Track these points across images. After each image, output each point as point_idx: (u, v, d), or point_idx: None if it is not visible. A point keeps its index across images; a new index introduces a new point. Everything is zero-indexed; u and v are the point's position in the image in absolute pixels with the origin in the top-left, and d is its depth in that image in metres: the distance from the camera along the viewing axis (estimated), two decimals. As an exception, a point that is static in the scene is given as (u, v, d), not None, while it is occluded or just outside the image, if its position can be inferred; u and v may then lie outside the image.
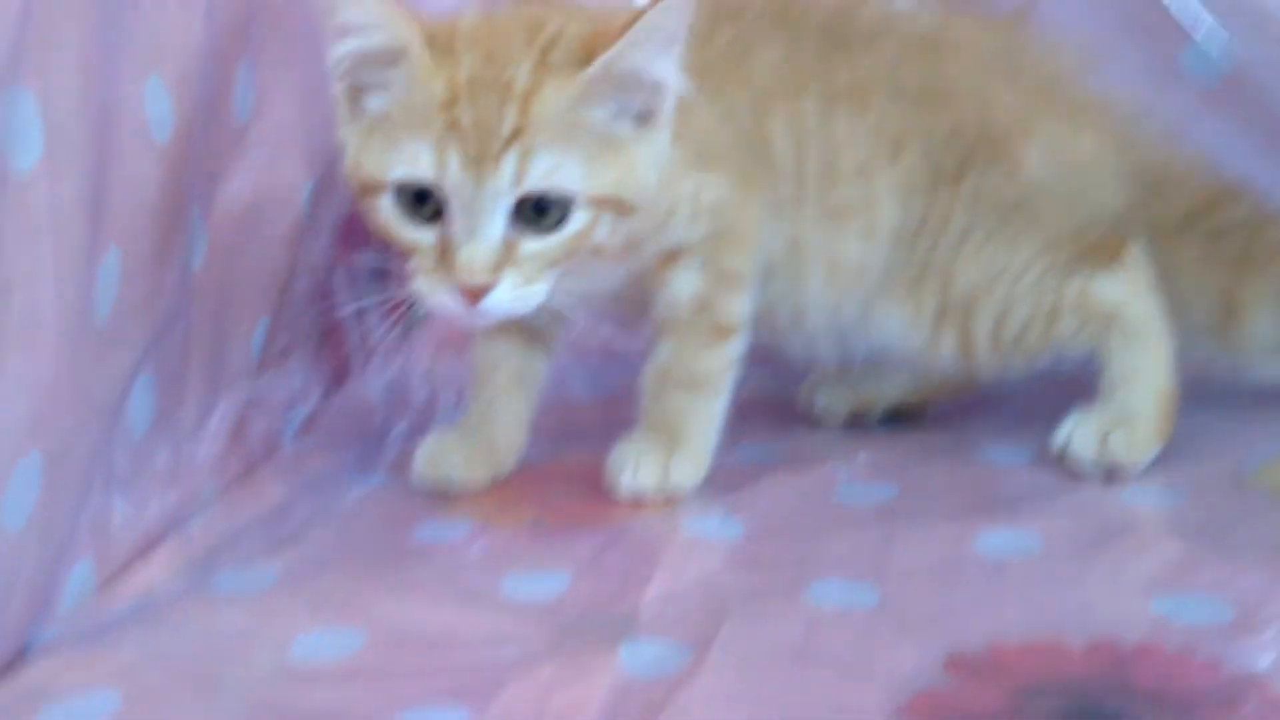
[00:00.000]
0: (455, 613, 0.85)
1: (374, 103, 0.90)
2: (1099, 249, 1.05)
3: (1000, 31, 1.12)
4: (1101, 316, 1.05)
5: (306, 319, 1.26)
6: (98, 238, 0.85)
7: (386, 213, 0.89)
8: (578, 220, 0.88)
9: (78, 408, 0.84)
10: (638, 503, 1.02)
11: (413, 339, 1.37)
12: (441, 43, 0.88)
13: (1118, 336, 1.04)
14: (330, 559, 0.95)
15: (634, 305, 1.05)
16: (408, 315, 0.95)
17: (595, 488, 1.04)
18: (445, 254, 0.87)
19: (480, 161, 0.85)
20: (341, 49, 0.89)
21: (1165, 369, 1.05)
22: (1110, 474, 1.02)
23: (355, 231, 1.31)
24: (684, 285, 1.02)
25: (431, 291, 0.88)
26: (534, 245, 0.88)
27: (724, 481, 1.04)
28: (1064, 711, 0.71)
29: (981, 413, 1.19)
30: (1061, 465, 1.04)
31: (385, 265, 1.29)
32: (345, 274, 1.31)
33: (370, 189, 0.89)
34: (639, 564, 0.90)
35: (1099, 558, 0.90)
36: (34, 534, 0.81)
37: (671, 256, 1.01)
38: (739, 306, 1.03)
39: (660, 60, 0.88)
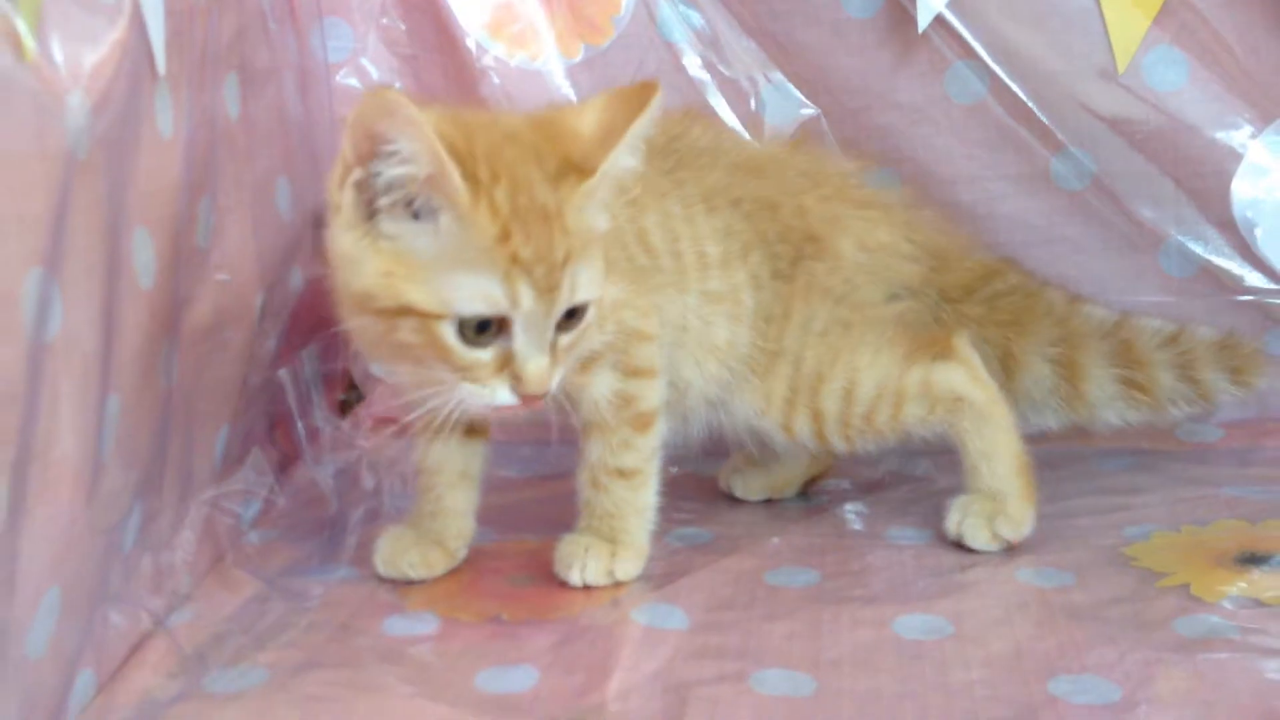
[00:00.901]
0: (439, 710, 0.94)
1: (391, 225, 0.93)
2: (931, 343, 1.21)
3: (800, 150, 1.31)
4: (948, 401, 1.19)
5: (256, 420, 1.34)
6: (104, 388, 0.93)
7: (444, 339, 0.93)
8: (590, 312, 0.99)
9: (88, 541, 0.92)
10: (588, 589, 1.13)
11: (354, 425, 1.46)
12: (466, 167, 0.91)
13: (969, 419, 1.19)
14: (311, 658, 1.03)
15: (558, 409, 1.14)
16: (436, 419, 0.99)
17: (545, 575, 1.14)
18: (505, 365, 0.95)
19: (549, 290, 0.93)
20: (380, 169, 0.91)
21: (1016, 439, 1.20)
22: (1005, 549, 1.17)
23: (296, 332, 1.41)
24: (602, 385, 1.13)
25: (491, 396, 0.96)
26: (567, 339, 0.98)
27: (663, 569, 1.16)
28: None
29: (883, 492, 1.33)
30: (960, 548, 1.18)
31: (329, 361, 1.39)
32: (290, 372, 1.40)
33: (408, 313, 0.93)
34: (599, 657, 1.00)
35: (1002, 639, 1.02)
36: (50, 659, 0.88)
37: (589, 361, 1.11)
38: (654, 395, 1.15)
39: (634, 161, 0.99)
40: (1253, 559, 1.12)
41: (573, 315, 0.97)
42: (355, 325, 0.99)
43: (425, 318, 0.92)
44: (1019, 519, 1.17)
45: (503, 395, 0.95)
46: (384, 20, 1.50)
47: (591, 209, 0.98)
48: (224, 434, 1.23)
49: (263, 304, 1.30)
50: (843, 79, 1.48)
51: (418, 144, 0.89)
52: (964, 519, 1.18)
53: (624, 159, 0.97)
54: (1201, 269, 1.47)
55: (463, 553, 1.19)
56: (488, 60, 1.50)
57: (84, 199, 0.89)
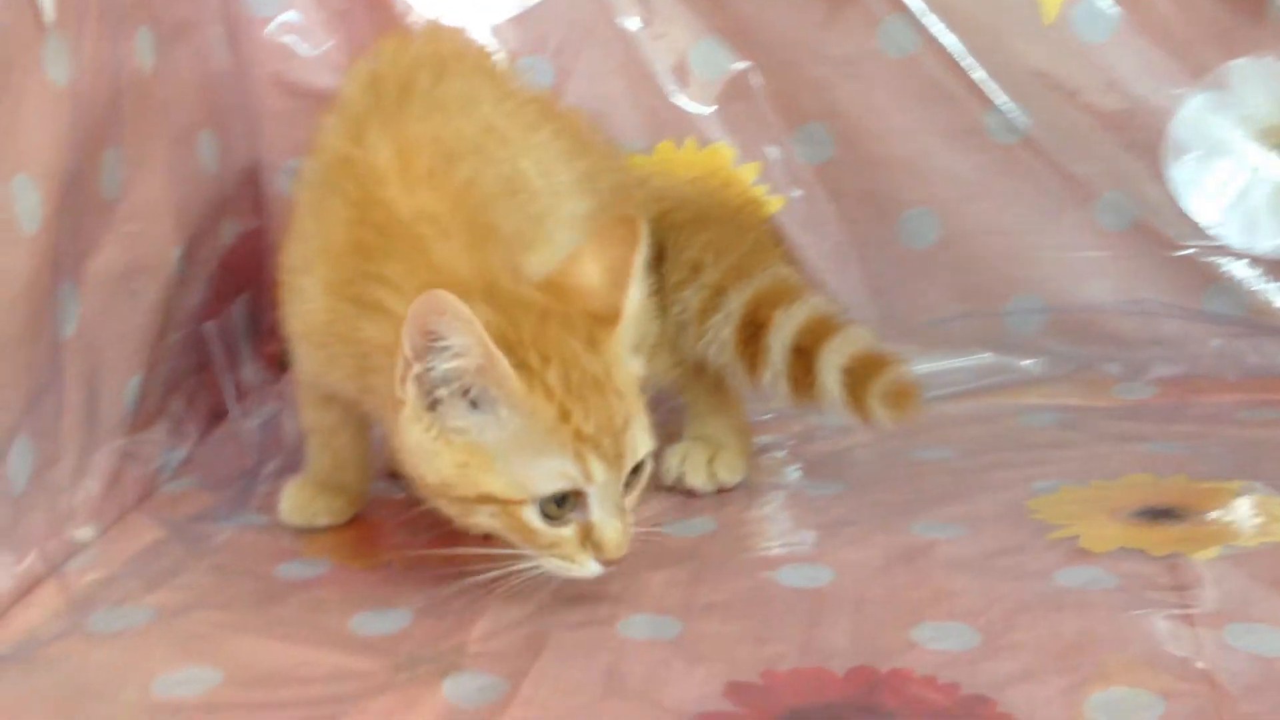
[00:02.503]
0: (307, 650, 0.95)
1: (456, 418, 0.92)
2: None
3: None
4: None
5: (179, 370, 1.36)
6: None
7: (528, 522, 0.93)
8: (649, 463, 0.99)
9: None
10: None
11: (283, 382, 1.46)
12: (516, 355, 0.91)
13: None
14: (199, 599, 1.05)
15: None
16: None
17: (440, 527, 1.14)
18: (587, 537, 0.95)
19: (617, 458, 0.94)
20: (434, 364, 0.90)
21: (740, 405, 1.28)
22: (720, 490, 1.24)
23: (226, 284, 1.42)
24: None
25: (581, 570, 0.96)
26: (633, 497, 0.98)
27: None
28: (822, 730, 0.83)
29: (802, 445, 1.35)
30: (678, 489, 1.24)
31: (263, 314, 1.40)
32: (217, 325, 1.41)
33: (488, 500, 0.93)
34: (473, 603, 1.00)
35: (878, 588, 1.02)
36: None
37: None
38: None
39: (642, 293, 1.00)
40: (1151, 513, 1.11)
41: (636, 470, 0.97)
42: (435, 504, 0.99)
43: (506, 504, 0.93)
44: (736, 466, 1.25)
45: (592, 568, 0.96)
46: (315, -28, 1.50)
47: (626, 356, 0.98)
48: (136, 383, 1.24)
49: (181, 256, 1.31)
50: (774, 33, 1.47)
51: (468, 338, 0.89)
52: (685, 462, 1.25)
53: (637, 294, 0.98)
54: (1135, 224, 1.45)
55: (368, 493, 1.21)
56: (414, 17, 1.49)
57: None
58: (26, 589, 1.05)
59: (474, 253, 0.97)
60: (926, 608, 0.98)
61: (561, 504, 0.93)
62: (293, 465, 1.29)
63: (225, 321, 1.42)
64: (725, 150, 1.51)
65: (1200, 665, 0.86)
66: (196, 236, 1.34)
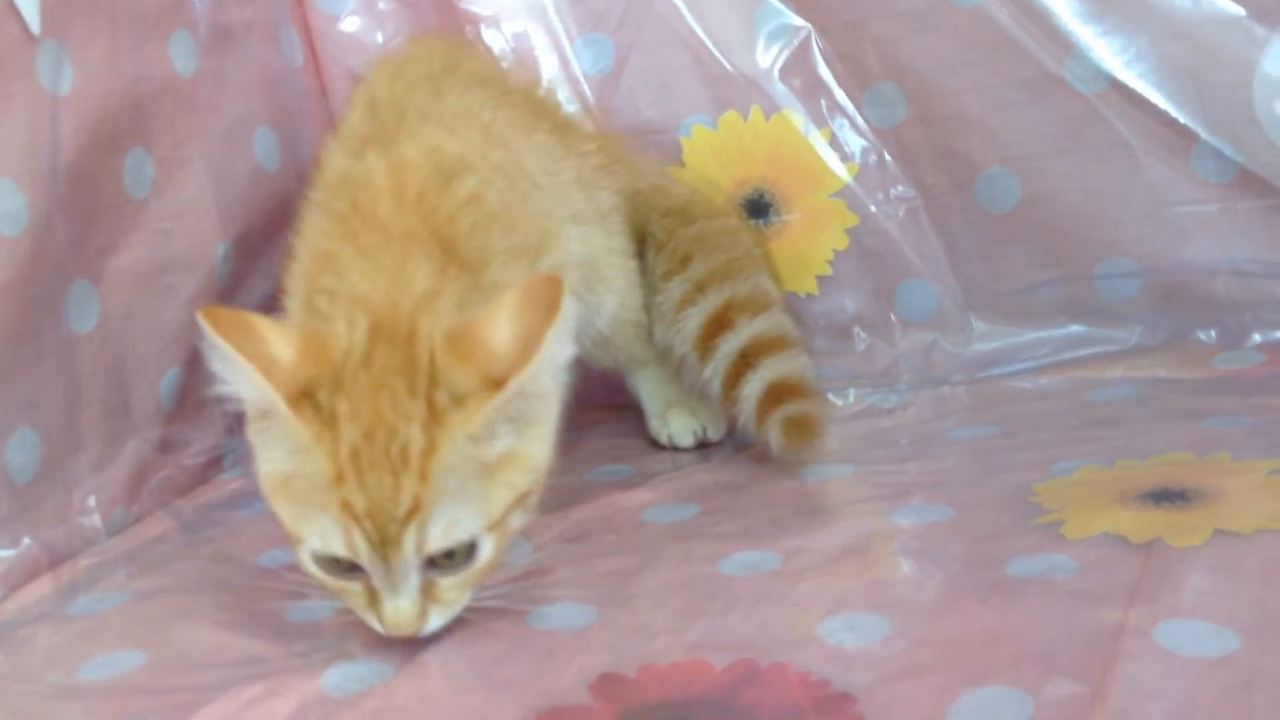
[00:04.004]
0: (231, 636, 0.97)
1: (271, 447, 0.87)
2: None
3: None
4: None
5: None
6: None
7: (307, 565, 0.88)
8: (486, 548, 0.88)
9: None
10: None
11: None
12: (317, 397, 0.84)
13: None
14: (173, 585, 1.08)
15: None
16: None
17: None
18: (373, 601, 0.87)
19: (384, 544, 0.84)
20: (224, 388, 0.87)
21: None
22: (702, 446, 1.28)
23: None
24: None
25: (370, 623, 0.88)
26: (451, 580, 0.88)
27: (555, 502, 1.12)
28: (651, 728, 0.78)
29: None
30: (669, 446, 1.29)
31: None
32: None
33: (279, 521, 0.89)
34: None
35: (815, 577, 0.95)
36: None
37: None
38: None
39: (558, 367, 0.88)
40: (1160, 495, 0.99)
41: (452, 556, 0.86)
42: None
43: (289, 537, 0.88)
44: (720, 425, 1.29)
45: (376, 627, 0.88)
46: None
47: (497, 430, 0.86)
48: (174, 376, 1.29)
49: (228, 252, 1.35)
50: (836, -10, 1.39)
51: (233, 372, 0.84)
52: (672, 425, 1.30)
53: (544, 364, 0.85)
54: (1237, 174, 1.29)
55: None
56: (476, 4, 1.49)
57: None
58: (24, 576, 1.10)
59: (415, 277, 0.90)
60: (853, 598, 0.90)
61: (338, 559, 0.86)
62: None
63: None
64: (793, 118, 1.44)
65: (1101, 664, 0.76)
66: (249, 233, 1.38)
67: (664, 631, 0.89)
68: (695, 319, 1.25)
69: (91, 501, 1.19)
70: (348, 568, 0.87)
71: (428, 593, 0.87)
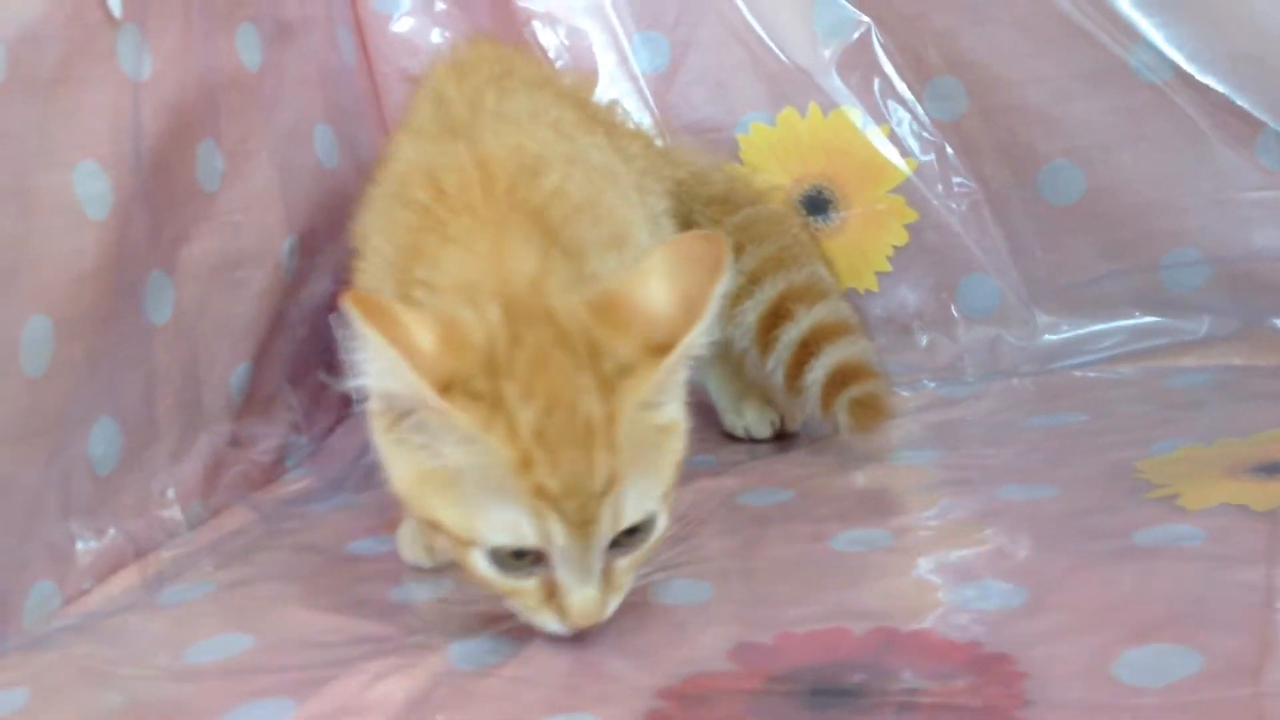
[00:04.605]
0: (339, 618, 0.95)
1: (418, 436, 0.81)
2: None
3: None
4: None
5: (303, 363, 1.39)
6: (17, 306, 0.97)
7: (479, 568, 0.83)
8: (661, 521, 0.85)
9: (10, 449, 0.97)
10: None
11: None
12: (471, 385, 0.79)
13: None
14: (262, 573, 1.06)
15: None
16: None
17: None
18: (551, 595, 0.83)
19: (584, 523, 0.79)
20: (369, 380, 0.81)
21: None
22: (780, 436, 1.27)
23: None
24: None
25: (542, 624, 0.84)
26: (626, 561, 0.84)
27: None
28: (810, 689, 0.76)
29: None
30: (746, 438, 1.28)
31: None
32: (342, 319, 1.43)
33: (440, 529, 0.83)
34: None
35: (934, 551, 0.94)
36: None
37: None
38: None
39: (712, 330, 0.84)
40: (1270, 468, 0.99)
41: (633, 533, 0.83)
42: None
43: (455, 541, 0.83)
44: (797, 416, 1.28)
45: (552, 625, 0.84)
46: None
47: (663, 398, 0.84)
48: (243, 371, 1.28)
49: (293, 248, 1.34)
50: (895, -17, 1.40)
51: (372, 357, 0.79)
52: (748, 417, 1.29)
53: (708, 326, 0.83)
54: (1304, 159, 1.30)
55: None
56: (534, 3, 1.49)
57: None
58: (111, 567, 1.08)
59: (521, 261, 0.87)
60: (979, 569, 0.90)
61: (521, 555, 0.81)
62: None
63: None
64: (851, 114, 1.44)
65: (1259, 619, 0.75)
66: (313, 229, 1.37)
67: (790, 603, 0.88)
68: (753, 312, 1.23)
69: (170, 494, 1.17)
70: (527, 563, 0.82)
71: (606, 578, 0.83)
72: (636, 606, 0.90)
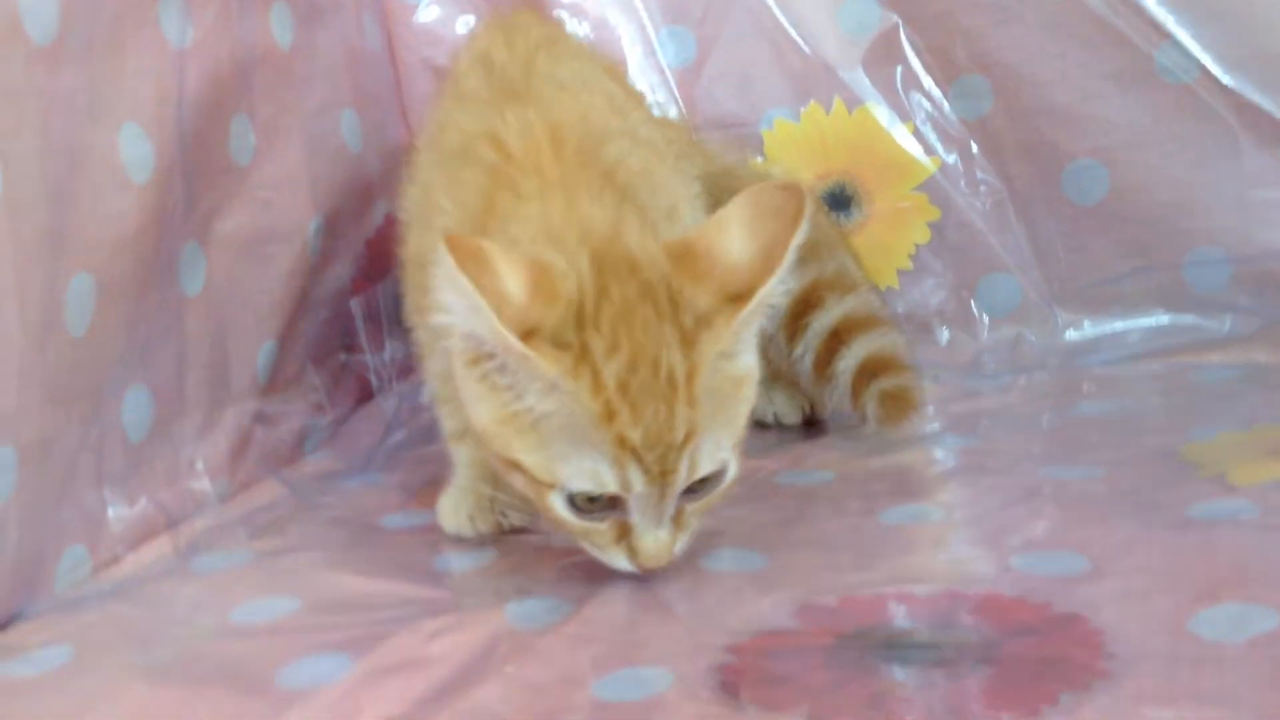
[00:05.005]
0: (386, 583, 0.94)
1: (502, 377, 0.81)
2: None
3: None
4: None
5: (324, 345, 1.38)
6: (64, 264, 0.96)
7: (556, 509, 0.84)
8: (732, 468, 0.86)
9: (51, 410, 0.95)
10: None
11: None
12: (561, 334, 0.80)
13: None
14: (299, 544, 1.05)
15: None
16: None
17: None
18: (623, 536, 0.85)
19: (663, 474, 0.81)
20: (454, 320, 0.80)
21: None
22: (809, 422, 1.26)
23: (375, 264, 1.44)
24: None
25: (610, 561, 0.86)
26: (697, 505, 0.86)
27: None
28: (884, 643, 0.76)
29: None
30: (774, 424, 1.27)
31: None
32: (362, 302, 1.42)
33: (519, 468, 0.84)
34: (560, 541, 0.96)
35: (987, 523, 0.94)
36: (14, 518, 0.92)
37: None
38: None
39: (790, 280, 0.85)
40: (1316, 449, 0.99)
41: (705, 480, 0.85)
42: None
43: (535, 482, 0.84)
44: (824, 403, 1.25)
45: (620, 563, 0.86)
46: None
47: (739, 347, 0.85)
48: (269, 349, 1.26)
49: (319, 229, 1.33)
50: (923, -18, 1.41)
51: (456, 298, 0.79)
52: (776, 404, 1.27)
53: (782, 278, 0.83)
54: (1327, 160, 1.32)
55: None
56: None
57: (37, 79, 0.93)
58: (142, 535, 1.07)
59: (599, 213, 0.88)
60: (1038, 540, 0.90)
61: (595, 498, 0.83)
62: (422, 436, 1.30)
63: (371, 299, 1.43)
64: (875, 111, 1.45)
65: (1332, 583, 0.76)
66: (337, 212, 1.36)
67: (850, 569, 0.88)
68: (782, 299, 1.23)
69: (200, 466, 1.16)
70: (603, 507, 0.83)
71: (676, 520, 0.85)
72: (691, 571, 0.90)
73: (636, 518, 0.83)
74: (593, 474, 0.81)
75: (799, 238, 0.82)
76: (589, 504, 0.83)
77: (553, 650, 0.80)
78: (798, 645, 0.77)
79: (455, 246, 0.77)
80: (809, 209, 0.83)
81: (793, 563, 0.90)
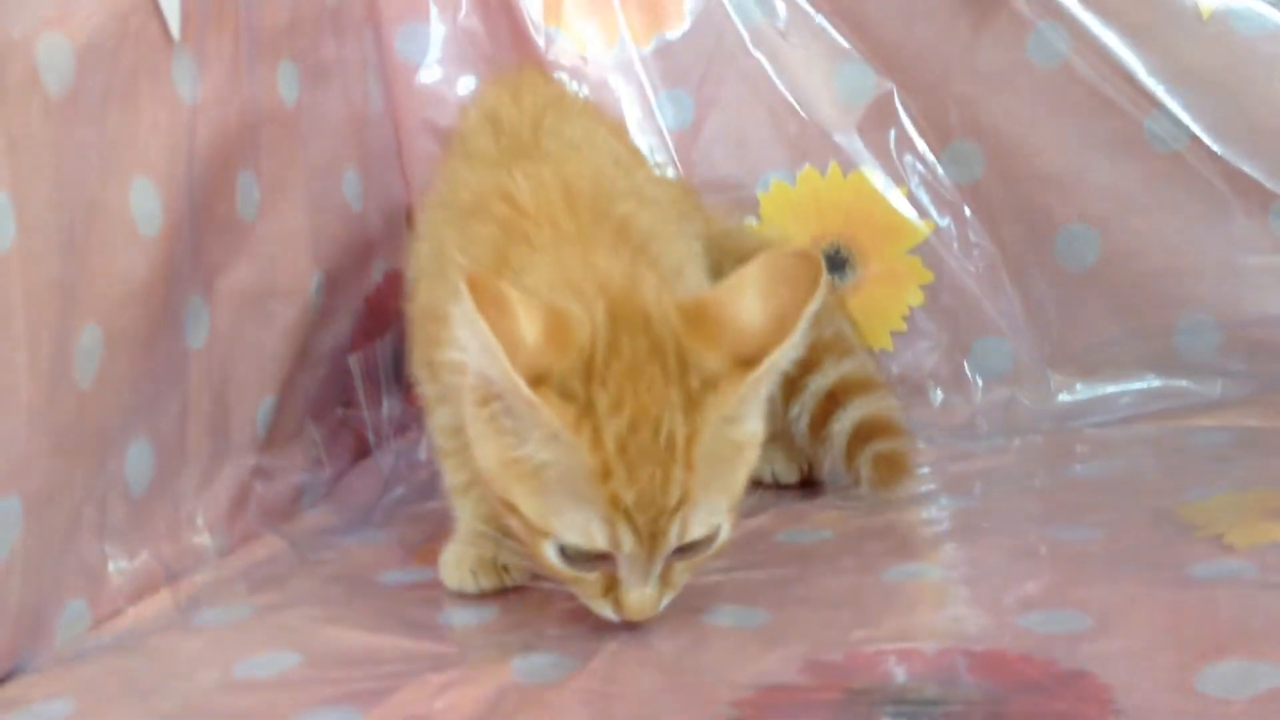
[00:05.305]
0: (390, 638, 0.94)
1: (508, 420, 0.83)
2: None
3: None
4: None
5: (323, 401, 1.38)
6: (73, 315, 0.97)
7: (548, 557, 0.85)
8: (725, 530, 0.87)
9: (57, 461, 0.96)
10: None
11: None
12: (568, 384, 0.81)
13: None
14: (299, 598, 1.05)
15: None
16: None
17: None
18: (610, 589, 0.86)
19: (653, 536, 0.82)
20: (468, 359, 0.82)
21: None
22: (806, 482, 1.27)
23: (374, 321, 1.44)
24: None
25: (598, 609, 0.87)
26: (686, 563, 0.87)
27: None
28: (892, 699, 0.76)
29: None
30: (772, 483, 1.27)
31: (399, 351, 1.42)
32: (361, 359, 1.43)
33: (516, 512, 0.85)
34: (563, 597, 0.97)
35: (990, 582, 0.95)
36: (17, 569, 0.92)
37: None
38: None
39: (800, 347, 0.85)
40: (1312, 511, 1.00)
41: (696, 542, 0.85)
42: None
43: (529, 528, 0.85)
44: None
45: (606, 613, 0.87)
46: (462, 21, 1.54)
47: (745, 411, 0.85)
48: (269, 404, 1.27)
49: (320, 285, 1.34)
50: (918, 52, 1.44)
51: (470, 337, 0.79)
52: (774, 464, 1.27)
53: (794, 345, 0.84)
54: (1314, 227, 1.34)
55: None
56: (563, 56, 1.51)
57: (52, 131, 0.94)
58: (142, 589, 1.06)
59: (620, 265, 0.89)
60: (1041, 598, 0.90)
61: (586, 551, 0.83)
62: (419, 493, 1.30)
63: (370, 356, 1.44)
64: (870, 175, 1.47)
65: (1335, 641, 0.76)
66: (338, 269, 1.37)
67: (854, 626, 0.88)
68: None
69: (199, 520, 1.16)
70: (593, 559, 0.84)
71: (663, 578, 0.86)
72: (694, 627, 0.90)
73: (624, 573, 0.84)
74: (584, 529, 0.82)
75: (813, 306, 0.83)
76: (579, 555, 0.84)
77: (560, 705, 0.80)
78: (806, 701, 0.77)
79: (476, 286, 0.78)
80: (825, 278, 0.83)
81: (795, 619, 0.91)
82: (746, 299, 0.84)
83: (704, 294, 0.88)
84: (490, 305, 0.78)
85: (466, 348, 0.81)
